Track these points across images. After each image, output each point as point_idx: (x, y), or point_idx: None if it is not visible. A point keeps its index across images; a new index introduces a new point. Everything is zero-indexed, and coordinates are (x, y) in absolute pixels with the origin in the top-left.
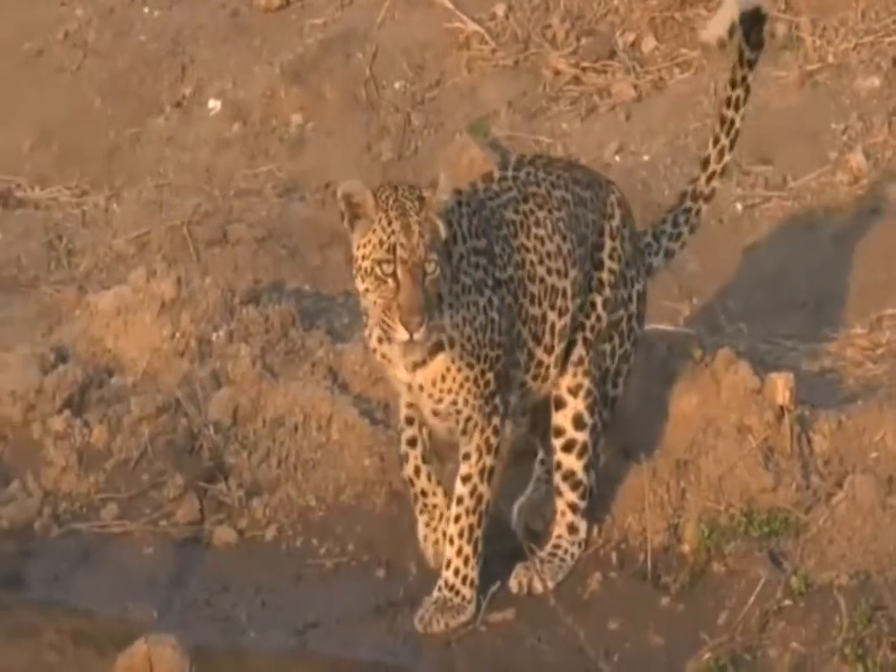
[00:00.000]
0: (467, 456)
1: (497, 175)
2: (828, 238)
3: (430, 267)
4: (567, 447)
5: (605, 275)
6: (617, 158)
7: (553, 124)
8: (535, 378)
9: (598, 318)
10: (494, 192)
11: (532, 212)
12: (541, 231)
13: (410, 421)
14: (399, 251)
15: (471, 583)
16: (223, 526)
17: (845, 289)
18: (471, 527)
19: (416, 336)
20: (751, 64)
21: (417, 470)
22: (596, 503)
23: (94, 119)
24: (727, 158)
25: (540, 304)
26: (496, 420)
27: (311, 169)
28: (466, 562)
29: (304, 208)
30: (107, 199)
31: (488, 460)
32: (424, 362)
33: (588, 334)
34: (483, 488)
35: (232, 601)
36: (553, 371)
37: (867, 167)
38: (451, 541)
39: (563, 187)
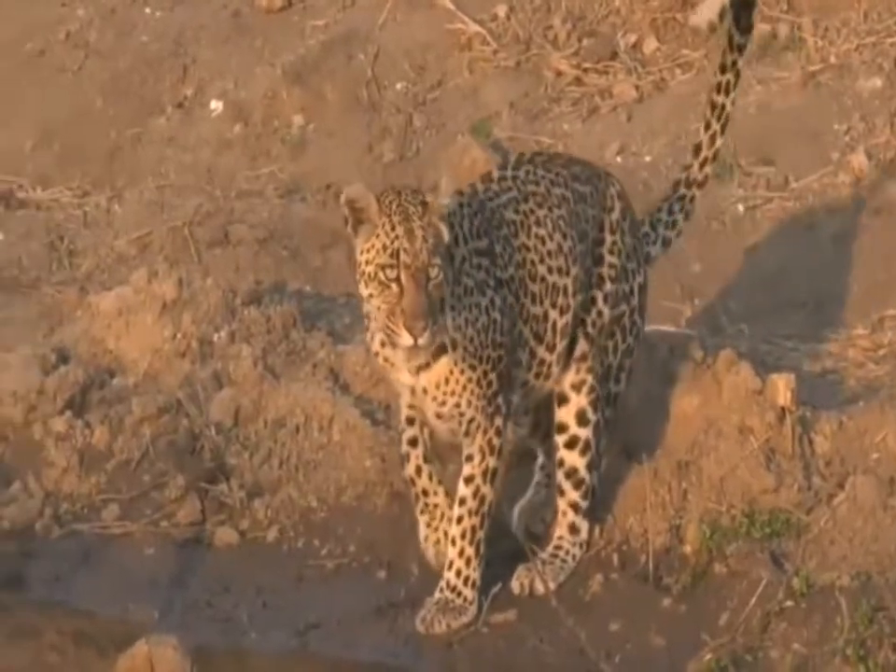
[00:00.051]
0: (469, 458)
1: (496, 174)
2: (829, 239)
3: (434, 272)
4: (570, 444)
5: (606, 270)
6: (618, 158)
7: (554, 125)
8: (537, 376)
9: (600, 313)
10: (494, 192)
11: (532, 211)
12: (542, 231)
13: (411, 421)
14: (403, 256)
15: (473, 584)
16: (224, 527)
17: (846, 290)
18: (474, 529)
19: (420, 341)
20: (741, 49)
21: (419, 470)
22: (598, 504)
23: (96, 119)
24: (718, 143)
25: (542, 303)
26: (498, 421)
27: (312, 170)
28: (468, 563)
29: (306, 209)
30: (109, 199)
31: (491, 461)
32: (427, 365)
33: (590, 330)
34: (485, 489)
35: (234, 602)
36: (555, 369)
37: (869, 168)
38: (453, 542)
39: (562, 184)
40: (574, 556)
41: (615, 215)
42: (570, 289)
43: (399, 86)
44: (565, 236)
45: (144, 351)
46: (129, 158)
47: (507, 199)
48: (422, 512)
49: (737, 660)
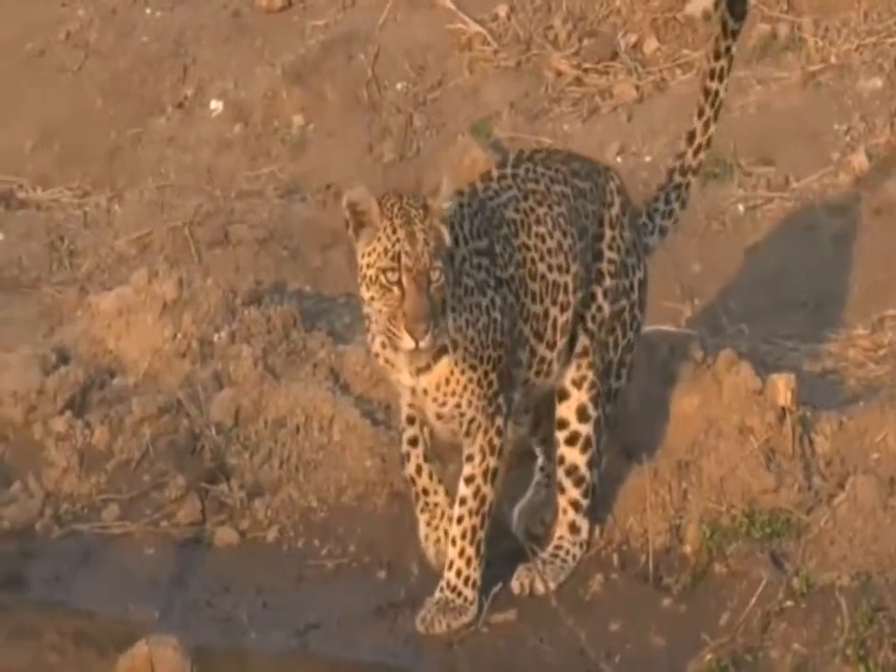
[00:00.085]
0: (470, 458)
1: (495, 173)
2: (829, 239)
3: (435, 275)
4: (571, 440)
5: (606, 266)
6: (619, 159)
7: (554, 125)
8: (538, 374)
9: (600, 308)
10: (493, 191)
11: (532, 209)
12: (542, 229)
13: (411, 420)
14: (404, 259)
15: (473, 584)
16: (224, 527)
17: (846, 290)
18: (474, 529)
19: (422, 344)
20: (735, 35)
21: (419, 469)
22: (598, 504)
23: (96, 119)
24: (712, 129)
25: (542, 301)
26: (499, 421)
27: (312, 170)
28: (468, 563)
29: (306, 209)
30: (109, 199)
31: (492, 461)
32: (427, 367)
33: (590, 325)
34: (486, 489)
35: (234, 602)
36: (556, 366)
37: (869, 168)
38: (453, 542)
39: (562, 181)
40: (574, 556)
41: (615, 210)
42: (570, 287)
43: (399, 86)
44: (564, 234)
45: (144, 351)
46: (129, 158)
47: (507, 198)
48: (422, 511)
49: (737, 660)
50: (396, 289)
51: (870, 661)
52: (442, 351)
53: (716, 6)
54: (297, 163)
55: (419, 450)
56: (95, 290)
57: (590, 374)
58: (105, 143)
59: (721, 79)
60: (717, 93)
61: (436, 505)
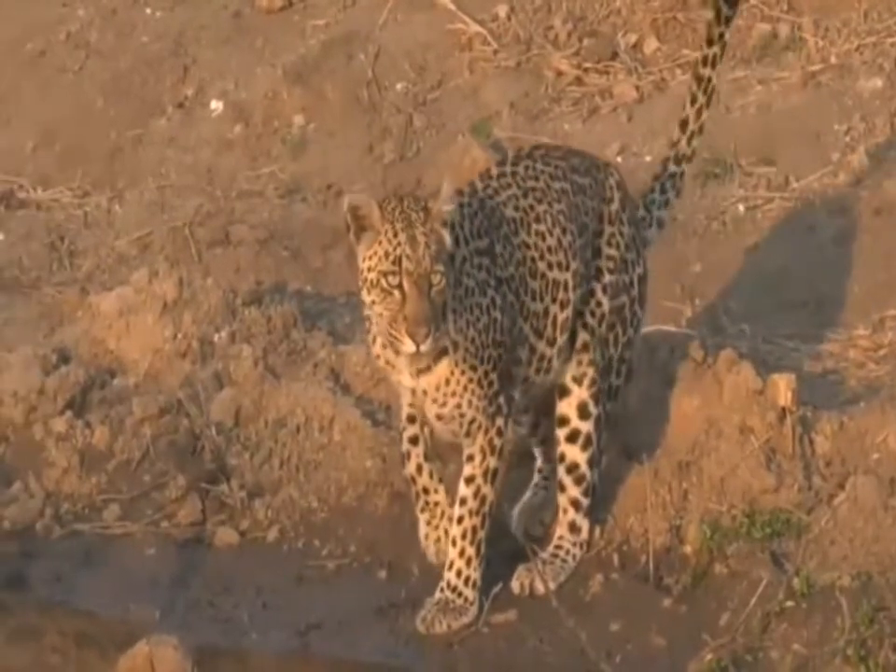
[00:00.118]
0: (470, 458)
1: (495, 171)
2: (830, 239)
3: (436, 278)
4: (571, 437)
5: (605, 262)
6: (619, 159)
7: (555, 125)
8: (538, 371)
9: (599, 304)
10: (493, 190)
11: (532, 207)
12: (542, 227)
13: (411, 419)
14: (405, 263)
15: (474, 585)
16: (225, 527)
17: (847, 290)
18: (474, 529)
19: (423, 348)
20: (728, 21)
21: (419, 468)
22: (598, 504)
23: (96, 119)
24: (704, 116)
25: (542, 300)
26: (499, 421)
27: (313, 170)
28: (468, 563)
29: (306, 209)
30: (109, 200)
31: (492, 462)
32: (428, 368)
33: (590, 321)
34: (486, 490)
35: (234, 602)
36: (556, 363)
37: (869, 168)
38: (454, 543)
39: (561, 177)
40: (574, 556)
41: (614, 205)
42: (570, 284)
43: (399, 86)
44: (564, 231)
45: (144, 351)
46: (129, 158)
47: (506, 196)
48: (422, 511)
49: (738, 660)
50: (397, 293)
51: (870, 661)
52: (443, 352)
53: None
54: (297, 163)
55: (420, 449)
56: (96, 290)
57: (590, 371)
58: (105, 143)
59: (713, 66)
60: (709, 80)
61: (436, 504)
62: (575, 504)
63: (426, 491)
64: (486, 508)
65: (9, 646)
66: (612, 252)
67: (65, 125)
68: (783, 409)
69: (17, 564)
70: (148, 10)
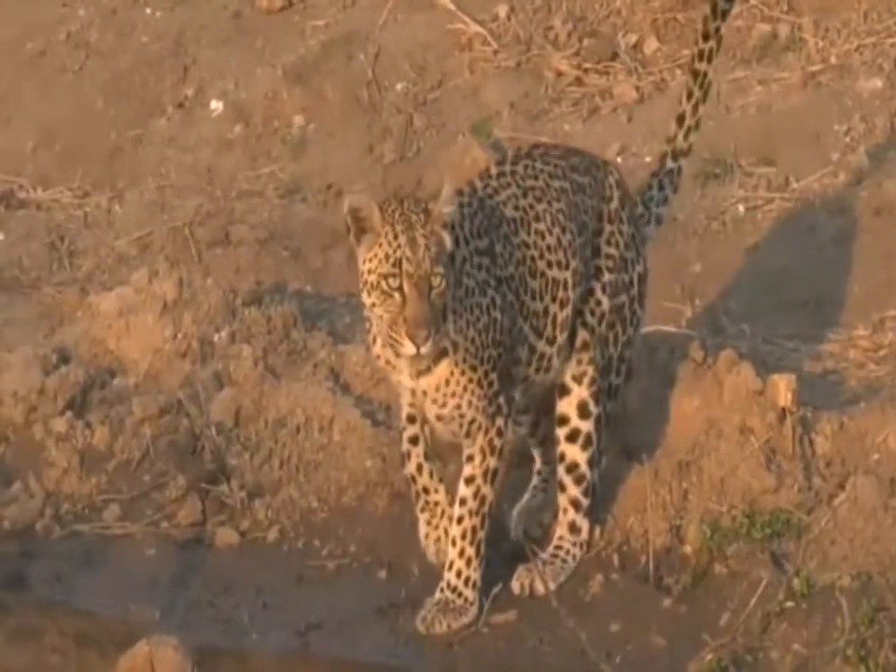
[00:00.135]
0: (470, 458)
1: (494, 170)
2: (830, 239)
3: (436, 280)
4: (572, 437)
5: (604, 261)
6: (619, 159)
7: (555, 125)
8: (537, 371)
9: (599, 303)
10: (493, 189)
11: (532, 207)
12: (541, 226)
13: (412, 419)
14: (405, 265)
15: (473, 585)
16: (225, 528)
17: (847, 290)
18: (474, 529)
19: (423, 350)
20: (724, 15)
21: (419, 468)
22: (598, 504)
23: (96, 119)
24: (701, 111)
25: (542, 299)
26: (499, 421)
27: (313, 170)
28: (468, 563)
29: (306, 209)
30: (109, 200)
31: (492, 462)
32: (428, 369)
33: (590, 319)
34: (486, 490)
35: (234, 602)
36: (555, 362)
37: (869, 168)
38: (453, 543)
39: (561, 176)
40: (574, 557)
41: (614, 204)
42: (570, 282)
43: (399, 86)
44: (564, 230)
45: (144, 351)
46: (129, 158)
47: (506, 195)
48: (422, 510)
49: (738, 660)
50: (397, 295)
51: (870, 661)
52: (443, 353)
53: None
54: (297, 163)
55: (420, 449)
56: (96, 290)
57: (590, 370)
58: (105, 143)
59: (709, 61)
60: (705, 74)
61: (436, 504)
62: (575, 504)
63: (426, 491)
64: (486, 508)
65: (9, 646)
66: (612, 251)
67: (65, 125)
68: (783, 409)
69: (17, 564)
70: (148, 10)
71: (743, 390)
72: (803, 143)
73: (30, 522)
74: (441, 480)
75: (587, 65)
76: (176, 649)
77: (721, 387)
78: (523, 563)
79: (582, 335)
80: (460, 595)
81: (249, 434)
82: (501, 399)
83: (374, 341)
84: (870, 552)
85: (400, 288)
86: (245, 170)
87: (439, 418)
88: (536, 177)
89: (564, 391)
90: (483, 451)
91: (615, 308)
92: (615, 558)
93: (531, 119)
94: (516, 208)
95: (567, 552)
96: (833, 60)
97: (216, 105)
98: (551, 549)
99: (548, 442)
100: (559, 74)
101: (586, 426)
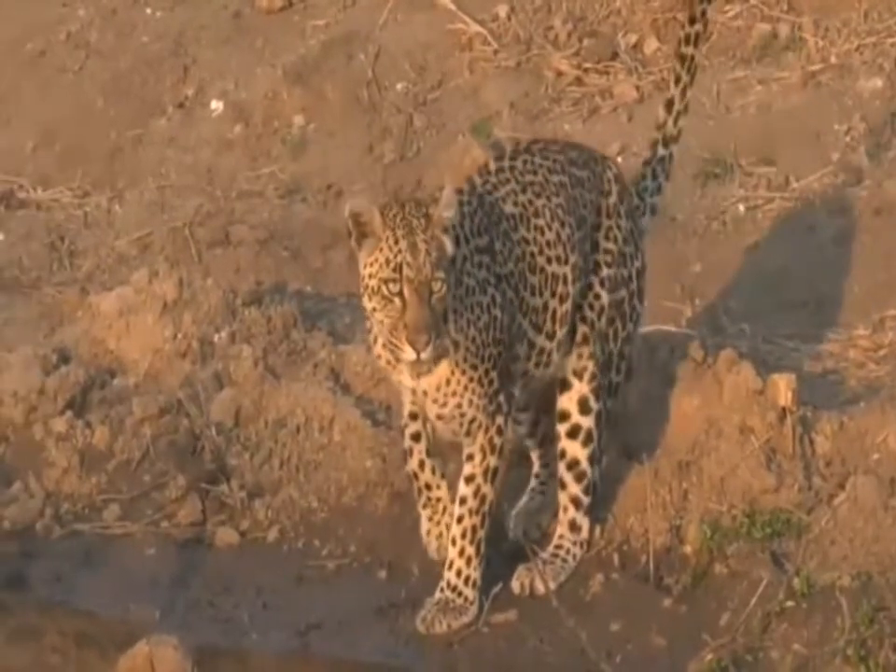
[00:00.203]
0: (470, 457)
1: (493, 166)
2: (830, 239)
3: (437, 285)
4: (572, 433)
5: (604, 256)
6: (619, 159)
7: (555, 125)
8: (537, 365)
9: (598, 297)
10: (492, 185)
11: (531, 202)
12: (541, 221)
13: (413, 416)
14: (406, 270)
15: (474, 584)
16: (225, 527)
17: (847, 290)
18: (474, 528)
19: (423, 355)
20: None
21: (421, 465)
22: (599, 504)
23: (96, 119)
24: (689, 95)
25: (541, 294)
26: (499, 419)
27: (313, 170)
28: (468, 563)
29: (306, 209)
30: (109, 200)
31: (492, 461)
32: (428, 368)
33: (589, 314)
34: (486, 489)
35: (234, 602)
36: (555, 356)
37: (869, 168)
38: (453, 542)
39: (559, 171)
40: (575, 556)
41: (612, 199)
42: (570, 277)
43: (399, 86)
44: (563, 224)
45: (144, 351)
46: (129, 158)
47: (505, 192)
48: (424, 507)
49: (738, 660)
50: (397, 300)
51: (871, 661)
52: (443, 352)
53: None
54: (297, 164)
55: (421, 445)
56: (96, 290)
57: (590, 365)
58: (105, 143)
59: (696, 44)
60: (692, 58)
61: (438, 500)
62: (575, 502)
63: (428, 487)
64: (486, 507)
65: (9, 646)
66: (610, 246)
67: (65, 125)
68: (783, 409)
69: (17, 564)
70: (148, 10)
71: (743, 390)
72: (803, 143)
73: (30, 522)
74: (442, 476)
75: (587, 65)
76: (176, 649)
77: (721, 387)
78: (523, 562)
79: (582, 329)
80: (460, 594)
81: (249, 434)
82: (501, 398)
83: (375, 341)
84: (870, 552)
85: (401, 293)
86: (244, 170)
87: (439, 417)
88: (535, 172)
89: (564, 386)
90: (483, 449)
91: (614, 303)
92: (615, 558)
93: (531, 118)
94: (515, 204)
95: (568, 551)
96: (832, 59)
97: (216, 105)
98: (551, 548)
99: (547, 443)
100: (559, 74)
101: (587, 422)
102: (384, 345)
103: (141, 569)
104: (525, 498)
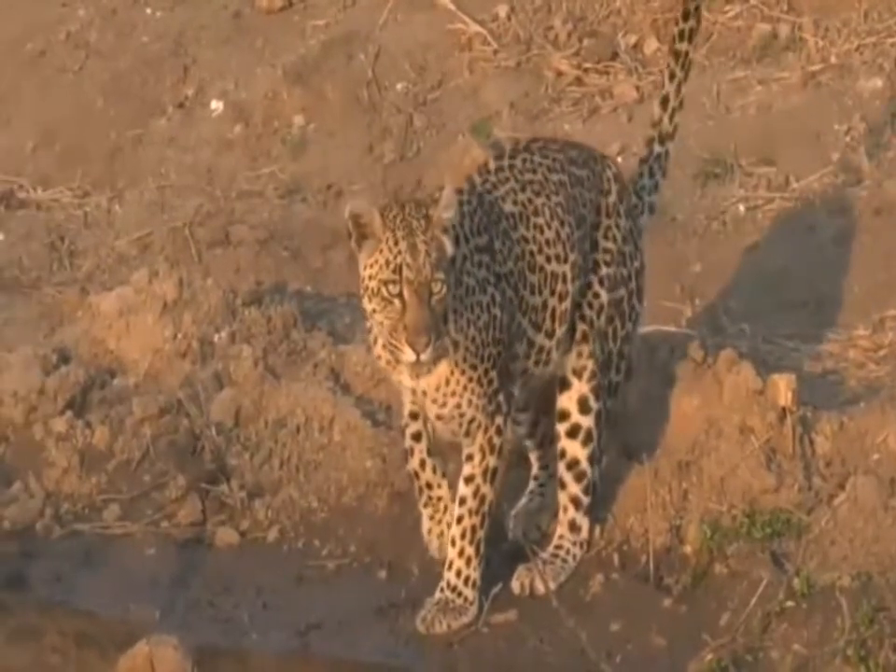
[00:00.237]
0: (470, 457)
1: (493, 165)
2: (830, 239)
3: (437, 287)
4: (572, 432)
5: (603, 255)
6: (619, 159)
7: (555, 125)
8: (536, 364)
9: (597, 296)
10: (491, 184)
11: (531, 201)
12: (540, 220)
13: (414, 416)
14: (406, 271)
15: (473, 584)
16: (225, 527)
17: (847, 290)
18: (474, 528)
19: (423, 357)
20: None
21: (422, 464)
22: (598, 504)
23: (96, 119)
24: (683, 92)
25: (541, 293)
26: (499, 419)
27: (313, 170)
28: (468, 563)
29: (306, 209)
30: (109, 200)
31: (491, 461)
32: (428, 368)
33: (588, 312)
34: (486, 489)
35: (234, 602)
36: (554, 355)
37: (869, 168)
38: (453, 542)
39: (559, 169)
40: (575, 556)
41: (612, 198)
42: (569, 275)
43: (399, 86)
44: (563, 223)
45: (144, 351)
46: (129, 158)
47: (505, 190)
48: (425, 505)
49: (738, 660)
50: (397, 302)
51: (870, 661)
52: (443, 353)
53: None
54: (297, 163)
55: (422, 445)
56: (96, 290)
57: (590, 364)
58: (105, 143)
59: (690, 40)
60: (686, 54)
61: (439, 499)
62: (575, 502)
63: (429, 486)
64: (486, 507)
65: (9, 646)
66: (609, 245)
67: (65, 125)
68: (783, 409)
69: (17, 564)
70: (148, 10)
71: (743, 390)
72: (803, 143)
73: (30, 522)
74: (443, 475)
75: (587, 65)
76: (176, 649)
77: (721, 387)
78: (523, 562)
79: (581, 328)
80: (460, 594)
81: (249, 434)
82: (501, 398)
83: (375, 341)
84: (870, 552)
85: (400, 295)
86: (244, 170)
87: (439, 417)
88: (534, 171)
89: (564, 385)
90: (482, 449)
91: (614, 302)
92: (615, 558)
93: (531, 118)
94: (515, 203)
95: (568, 551)
96: (832, 60)
97: (216, 105)
98: (551, 548)
99: (546, 444)
100: (559, 74)
101: (587, 421)
102: (383, 346)
103: (141, 569)
104: (524, 499)
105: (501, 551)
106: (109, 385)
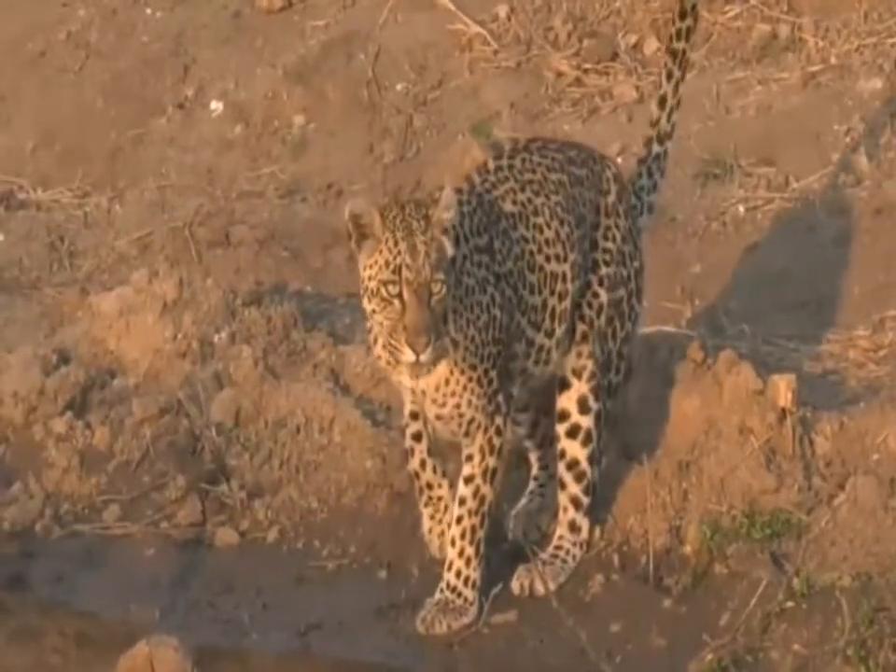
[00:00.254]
0: (469, 458)
1: (492, 164)
2: (830, 239)
3: (436, 287)
4: (572, 433)
5: (602, 255)
6: (619, 159)
7: (555, 125)
8: (536, 363)
9: (596, 295)
10: (491, 184)
11: (530, 201)
12: (540, 220)
13: (414, 416)
14: (405, 272)
15: (473, 585)
16: (225, 528)
17: (847, 291)
18: (474, 529)
19: (423, 357)
20: None
21: (423, 464)
22: (598, 504)
23: (97, 120)
24: (681, 91)
25: (540, 293)
26: (498, 420)
27: (313, 170)
28: (468, 563)
29: (306, 210)
30: (110, 200)
31: (491, 461)
32: (427, 370)
33: (588, 312)
34: (485, 489)
35: (234, 603)
36: (554, 354)
37: (869, 168)
38: (452, 543)
39: (558, 169)
40: (574, 557)
41: (611, 197)
42: (569, 275)
43: (399, 86)
44: (562, 223)
45: (144, 351)
46: (130, 158)
47: (504, 190)
48: (426, 506)
49: (738, 660)
50: (397, 302)
51: (871, 661)
52: (443, 353)
53: None
54: (297, 164)
55: (423, 445)
56: (96, 291)
57: (590, 364)
58: (105, 143)
59: (687, 39)
60: (684, 53)
61: (440, 499)
62: (575, 502)
63: (429, 486)
64: (485, 507)
65: (10, 646)
66: (609, 245)
67: (65, 125)
68: (783, 409)
69: (17, 564)
70: (148, 10)
71: (743, 390)
72: (803, 143)
73: (30, 522)
74: (444, 475)
75: (587, 65)
76: (176, 649)
77: (721, 388)
78: (523, 563)
79: (581, 328)
80: (460, 595)
81: (249, 434)
82: (500, 398)
83: (375, 341)
84: (870, 552)
85: (400, 295)
86: (245, 170)
87: (438, 417)
88: (533, 171)
89: (564, 385)
90: (482, 450)
91: (613, 302)
92: (615, 558)
93: (531, 118)
94: (514, 203)
95: (567, 552)
96: (833, 60)
97: (216, 106)
98: (551, 549)
99: (546, 444)
100: (559, 74)
101: (586, 421)
102: (383, 346)
103: (141, 570)
104: (524, 500)
105: (501, 551)
106: (109, 386)
